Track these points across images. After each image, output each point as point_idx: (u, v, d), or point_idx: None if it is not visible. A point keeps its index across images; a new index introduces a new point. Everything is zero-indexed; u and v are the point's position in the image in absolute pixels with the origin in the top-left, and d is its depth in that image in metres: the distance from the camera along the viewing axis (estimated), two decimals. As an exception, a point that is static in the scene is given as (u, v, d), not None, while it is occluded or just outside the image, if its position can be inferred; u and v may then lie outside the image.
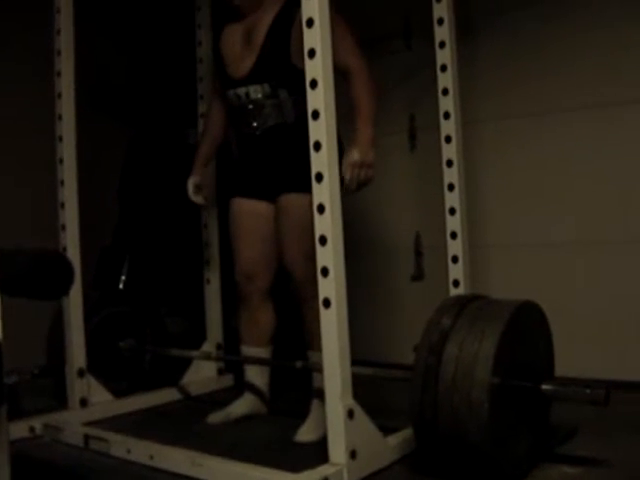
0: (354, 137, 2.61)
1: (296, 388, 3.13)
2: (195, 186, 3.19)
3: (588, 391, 2.25)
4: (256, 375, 3.12)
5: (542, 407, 2.42)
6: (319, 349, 2.34)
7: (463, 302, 2.38)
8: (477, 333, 2.20)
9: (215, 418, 3.03)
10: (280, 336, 3.14)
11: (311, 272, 2.50)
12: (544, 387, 2.31)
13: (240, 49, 2.91)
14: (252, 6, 2.89)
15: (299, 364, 2.79)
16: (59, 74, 3.02)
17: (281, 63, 2.78)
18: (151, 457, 2.51)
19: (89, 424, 2.98)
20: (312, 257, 2.36)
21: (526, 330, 2.35)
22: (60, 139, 3.03)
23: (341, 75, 2.60)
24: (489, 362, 2.13)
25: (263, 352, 3.10)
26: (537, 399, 2.32)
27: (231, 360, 3.42)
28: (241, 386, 3.19)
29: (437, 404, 2.18)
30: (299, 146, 2.61)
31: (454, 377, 2.16)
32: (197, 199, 3.22)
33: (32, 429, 2.90)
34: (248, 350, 3.10)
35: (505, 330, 2.18)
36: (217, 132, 3.22)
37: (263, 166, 2.92)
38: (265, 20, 2.84)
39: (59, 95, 3.02)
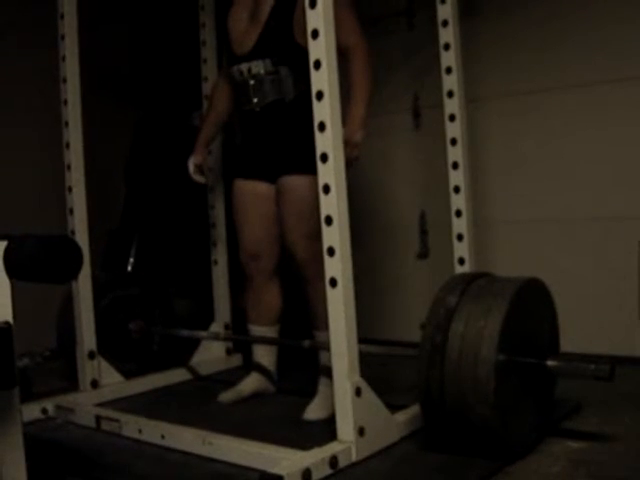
0: (345, 115, 2.59)
1: (304, 367, 3.15)
2: (195, 165, 3.19)
3: (593, 367, 2.26)
4: (263, 354, 3.15)
5: (547, 383, 2.44)
6: (325, 328, 2.37)
7: (468, 280, 2.40)
8: (482, 310, 2.22)
9: (226, 397, 3.06)
10: (287, 315, 3.16)
11: (313, 252, 2.53)
12: (549, 363, 2.33)
13: (245, 26, 2.92)
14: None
15: (306, 343, 2.81)
16: (64, 59, 3.02)
17: (283, 40, 2.79)
18: (162, 437, 2.55)
19: (100, 405, 3.01)
20: (314, 237, 2.38)
21: (531, 307, 2.36)
22: (66, 124, 3.04)
23: (340, 53, 2.59)
24: (494, 339, 2.15)
25: (270, 331, 3.13)
26: (542, 375, 2.34)
27: (239, 340, 3.45)
28: (249, 365, 3.21)
29: (444, 381, 2.20)
30: (298, 126, 2.63)
31: (460, 354, 2.18)
32: (198, 178, 3.21)
33: (44, 411, 2.93)
34: (255, 329, 3.13)
35: (510, 307, 2.20)
36: (221, 111, 3.21)
37: (263, 146, 2.94)
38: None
39: (64, 80, 3.03)
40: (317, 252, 2.36)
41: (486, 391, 2.13)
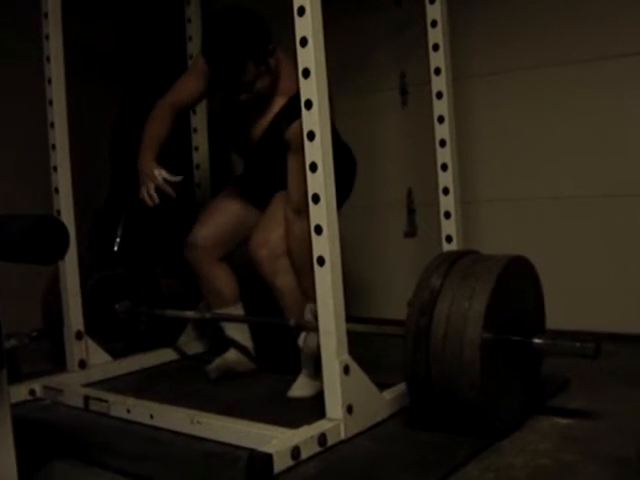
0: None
1: (285, 344, 3.13)
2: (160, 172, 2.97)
3: (578, 344, 2.27)
4: (236, 332, 3.17)
5: (534, 360, 2.44)
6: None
7: (452, 260, 2.38)
8: (467, 292, 2.21)
9: (212, 365, 3.10)
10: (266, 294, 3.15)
11: (282, 247, 2.73)
12: (535, 341, 2.33)
13: (237, 131, 2.96)
14: (253, 105, 2.83)
15: (292, 322, 2.80)
16: (47, 37, 2.98)
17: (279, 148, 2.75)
18: (151, 416, 2.55)
19: (88, 385, 3.01)
20: (282, 241, 2.66)
21: (516, 285, 2.36)
22: (50, 102, 3.01)
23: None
24: (479, 320, 2.14)
25: (234, 310, 3.16)
26: (528, 353, 2.35)
27: (225, 319, 3.42)
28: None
29: (429, 364, 2.21)
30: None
31: (445, 336, 2.18)
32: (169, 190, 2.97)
33: (32, 392, 2.93)
34: (219, 313, 3.18)
35: (494, 287, 2.20)
36: (164, 136, 3.04)
37: (264, 178, 3.01)
38: (262, 124, 2.84)
39: (48, 58, 2.99)
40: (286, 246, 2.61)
41: (472, 373, 2.13)
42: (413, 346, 2.24)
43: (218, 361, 3.12)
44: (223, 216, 3.08)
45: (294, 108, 2.59)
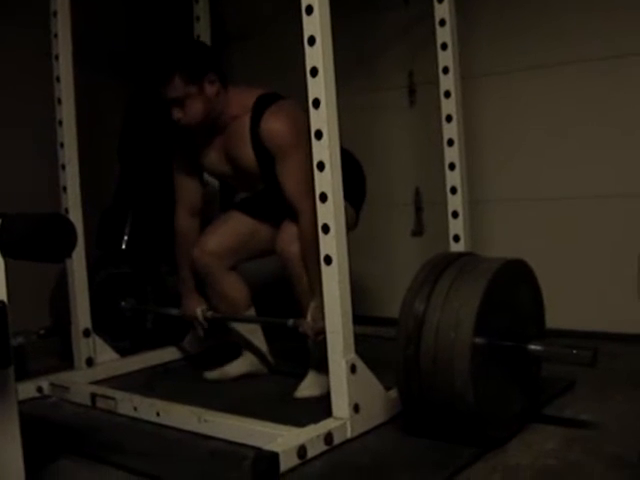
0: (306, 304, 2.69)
1: (294, 345, 3.13)
2: (202, 311, 3.15)
3: (575, 352, 2.23)
4: (250, 336, 3.15)
5: (532, 366, 2.39)
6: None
7: (437, 273, 2.29)
8: (452, 315, 2.15)
9: (211, 375, 3.08)
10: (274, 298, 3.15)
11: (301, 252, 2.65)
12: (531, 348, 2.27)
13: (232, 172, 2.94)
14: (205, 130, 2.87)
15: (290, 322, 2.75)
16: (56, 35, 2.99)
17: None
18: (157, 414, 2.55)
19: (95, 383, 3.02)
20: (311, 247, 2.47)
21: (508, 293, 2.28)
22: (59, 101, 3.02)
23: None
24: (467, 347, 2.09)
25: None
26: (526, 359, 2.30)
27: (226, 319, 3.41)
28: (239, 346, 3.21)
29: (423, 391, 2.19)
30: None
31: (435, 365, 2.15)
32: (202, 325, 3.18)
33: (40, 389, 2.94)
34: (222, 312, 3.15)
35: (481, 304, 2.12)
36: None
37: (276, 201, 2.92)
38: (244, 149, 2.80)
39: (56, 57, 3.00)
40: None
41: (465, 398, 2.10)
42: (405, 375, 2.22)
43: (217, 373, 3.10)
44: (236, 225, 3.04)
45: (256, 121, 2.70)
